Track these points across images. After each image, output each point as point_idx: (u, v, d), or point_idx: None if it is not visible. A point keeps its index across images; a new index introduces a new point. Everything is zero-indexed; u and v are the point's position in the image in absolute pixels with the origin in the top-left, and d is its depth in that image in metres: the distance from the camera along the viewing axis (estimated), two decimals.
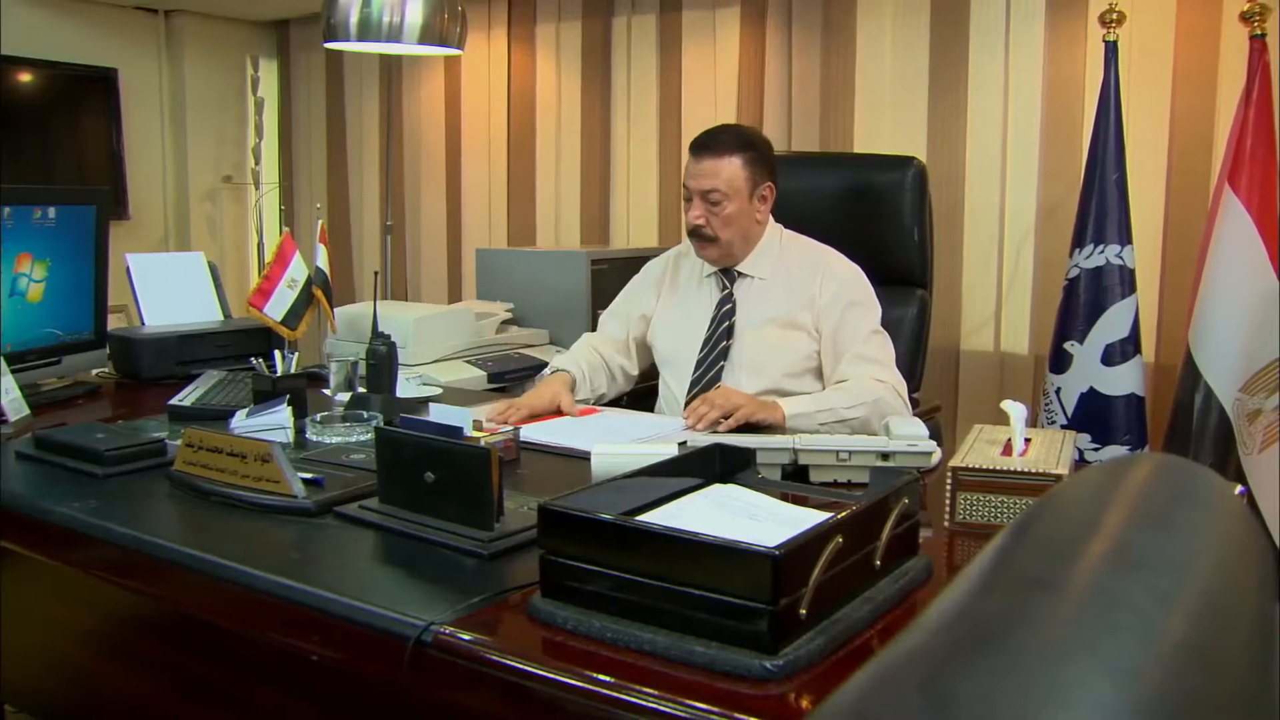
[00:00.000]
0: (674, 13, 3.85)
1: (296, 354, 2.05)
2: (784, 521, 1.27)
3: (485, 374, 2.81)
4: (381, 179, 4.59)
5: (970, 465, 1.43)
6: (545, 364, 3.02)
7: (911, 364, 2.57)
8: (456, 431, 1.39)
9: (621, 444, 1.71)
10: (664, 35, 3.89)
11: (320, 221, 2.65)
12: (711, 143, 2.16)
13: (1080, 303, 2.56)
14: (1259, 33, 2.35)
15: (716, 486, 1.37)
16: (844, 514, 1.11)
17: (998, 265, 3.31)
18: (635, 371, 2.41)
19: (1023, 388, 3.29)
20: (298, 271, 2.61)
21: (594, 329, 3.27)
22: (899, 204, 2.55)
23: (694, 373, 2.24)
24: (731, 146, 2.15)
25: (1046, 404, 2.63)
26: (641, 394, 2.51)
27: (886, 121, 3.44)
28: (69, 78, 4.27)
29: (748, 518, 1.27)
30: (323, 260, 2.65)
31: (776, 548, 0.99)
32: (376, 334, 2.10)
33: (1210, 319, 2.38)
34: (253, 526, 1.45)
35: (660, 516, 1.24)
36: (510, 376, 2.88)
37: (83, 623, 1.51)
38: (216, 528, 1.46)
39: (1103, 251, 2.52)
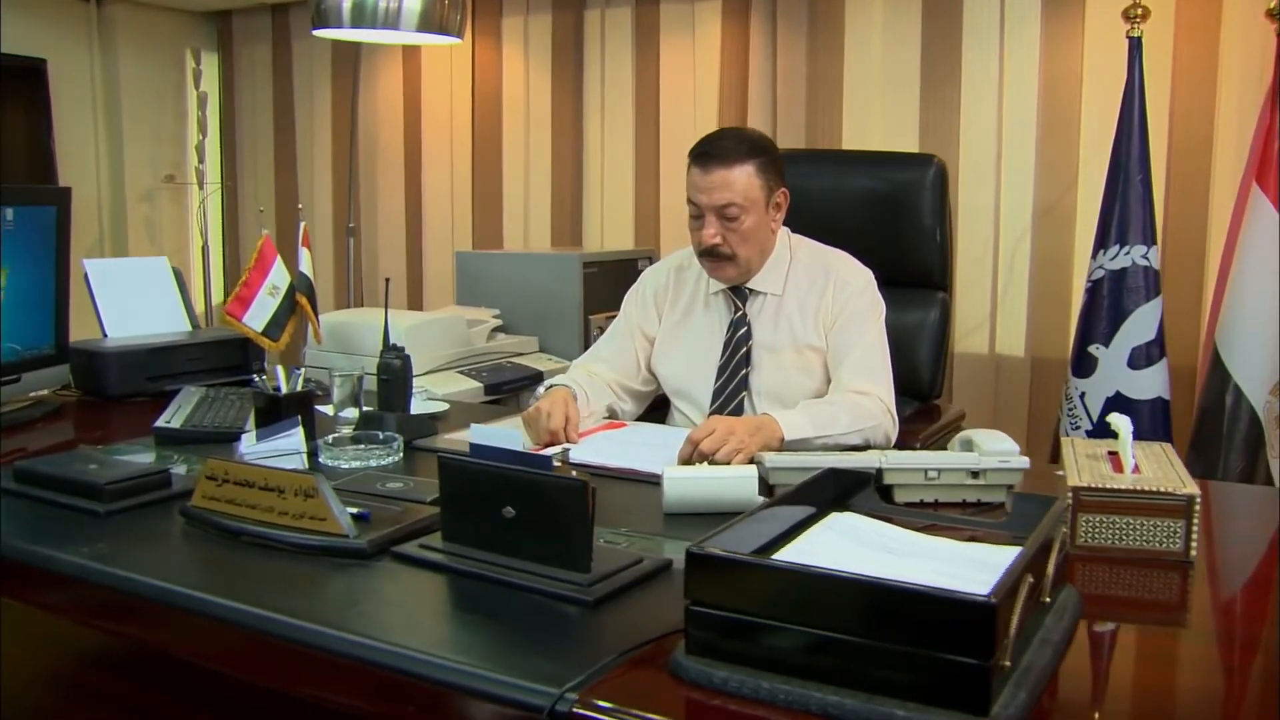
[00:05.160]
0: (651, 5, 3.71)
1: (303, 369, 1.85)
2: (924, 554, 1.15)
3: (481, 385, 2.63)
4: (336, 179, 4.36)
5: (1092, 485, 1.32)
6: (539, 372, 2.87)
7: (934, 369, 2.47)
8: (543, 461, 1.23)
9: (693, 467, 1.56)
10: (640, 29, 3.75)
11: (303, 224, 2.45)
12: (719, 151, 1.92)
13: (1104, 305, 2.49)
14: None
15: (835, 516, 1.24)
16: (1030, 550, 0.99)
17: (993, 266, 3.25)
18: (648, 389, 2.17)
19: (1019, 391, 3.24)
20: (279, 278, 2.41)
21: (587, 334, 3.12)
22: (919, 204, 2.45)
23: (712, 405, 2.04)
24: (742, 153, 1.92)
25: (1070, 409, 2.56)
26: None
27: (876, 120, 3.36)
28: None
29: (885, 551, 1.15)
30: (306, 265, 2.45)
31: (991, 594, 0.86)
32: (389, 346, 1.92)
33: (1239, 319, 2.34)
34: (299, 572, 1.26)
35: (793, 554, 1.10)
36: (507, 387, 2.72)
37: (97, 686, 1.30)
38: (256, 574, 1.27)
39: (1128, 253, 2.46)
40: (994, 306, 3.25)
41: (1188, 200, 2.88)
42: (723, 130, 2.06)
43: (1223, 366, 2.36)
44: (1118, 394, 2.47)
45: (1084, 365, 2.53)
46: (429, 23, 2.81)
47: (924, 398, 2.46)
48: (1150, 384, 2.47)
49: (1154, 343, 2.48)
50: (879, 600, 0.89)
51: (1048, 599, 1.06)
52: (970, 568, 1.09)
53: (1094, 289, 2.52)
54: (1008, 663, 0.90)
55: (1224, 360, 2.36)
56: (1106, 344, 2.48)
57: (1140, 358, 2.47)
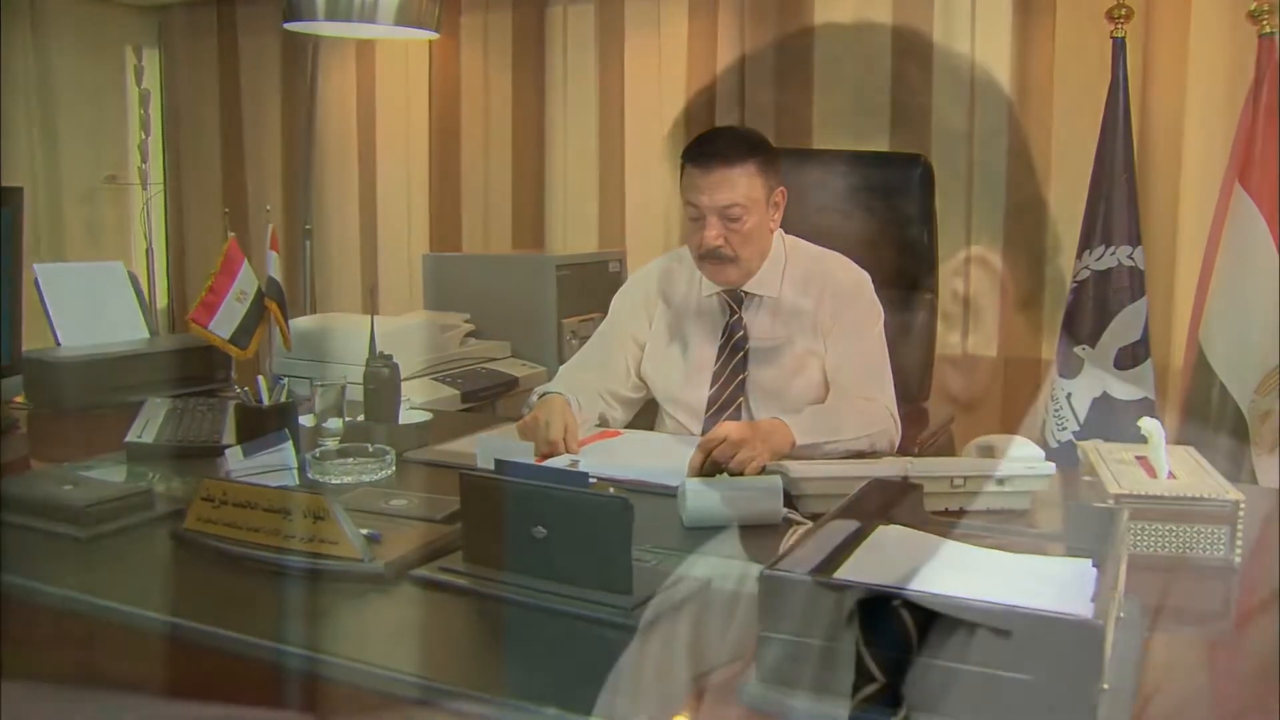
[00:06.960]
0: (615, 1, 3.64)
1: (287, 379, 1.75)
2: (980, 568, 1.10)
3: (458, 393, 2.54)
4: (287, 180, 4.22)
5: (1134, 492, 1.29)
6: (515, 378, 2.79)
7: (921, 372, 2.45)
8: (579, 478, 1.16)
9: (713, 479, 1.50)
10: (604, 25, 3.66)
11: (271, 226, 2.34)
12: (718, 150, 1.86)
13: (1090, 306, 2.48)
14: (1267, 31, 2.33)
15: (881, 529, 1.18)
16: (1115, 566, 0.95)
17: (965, 265, 3.24)
18: (638, 396, 2.09)
19: (992, 392, 3.24)
20: (247, 283, 2.30)
21: (561, 338, 3.04)
22: (905, 205, 2.42)
23: (707, 411, 1.98)
24: (742, 152, 1.87)
25: (1055, 409, 2.55)
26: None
27: (847, 118, 3.32)
28: None
29: (942, 565, 1.10)
30: (275, 268, 2.34)
31: (1097, 615, 0.82)
32: (376, 354, 1.83)
33: (1223, 318, 2.35)
34: (312, 599, 1.17)
35: (851, 573, 1.05)
36: (484, 394, 2.62)
37: None
38: (267, 603, 1.19)
39: (1114, 253, 2.45)
40: (966, 306, 3.25)
41: (1159, 200, 2.89)
42: (717, 129, 2.01)
43: (1207, 366, 2.37)
44: (1105, 395, 2.47)
45: (1070, 366, 2.52)
46: (406, 16, 2.70)
47: (912, 400, 2.43)
48: (1137, 384, 2.47)
49: (1140, 343, 2.48)
50: (975, 622, 0.84)
51: (1121, 614, 1.02)
52: (1032, 581, 1.05)
53: (1079, 289, 2.51)
54: (1106, 685, 0.85)
55: (1209, 360, 2.37)
56: (1093, 345, 2.47)
57: (1127, 358, 2.47)
